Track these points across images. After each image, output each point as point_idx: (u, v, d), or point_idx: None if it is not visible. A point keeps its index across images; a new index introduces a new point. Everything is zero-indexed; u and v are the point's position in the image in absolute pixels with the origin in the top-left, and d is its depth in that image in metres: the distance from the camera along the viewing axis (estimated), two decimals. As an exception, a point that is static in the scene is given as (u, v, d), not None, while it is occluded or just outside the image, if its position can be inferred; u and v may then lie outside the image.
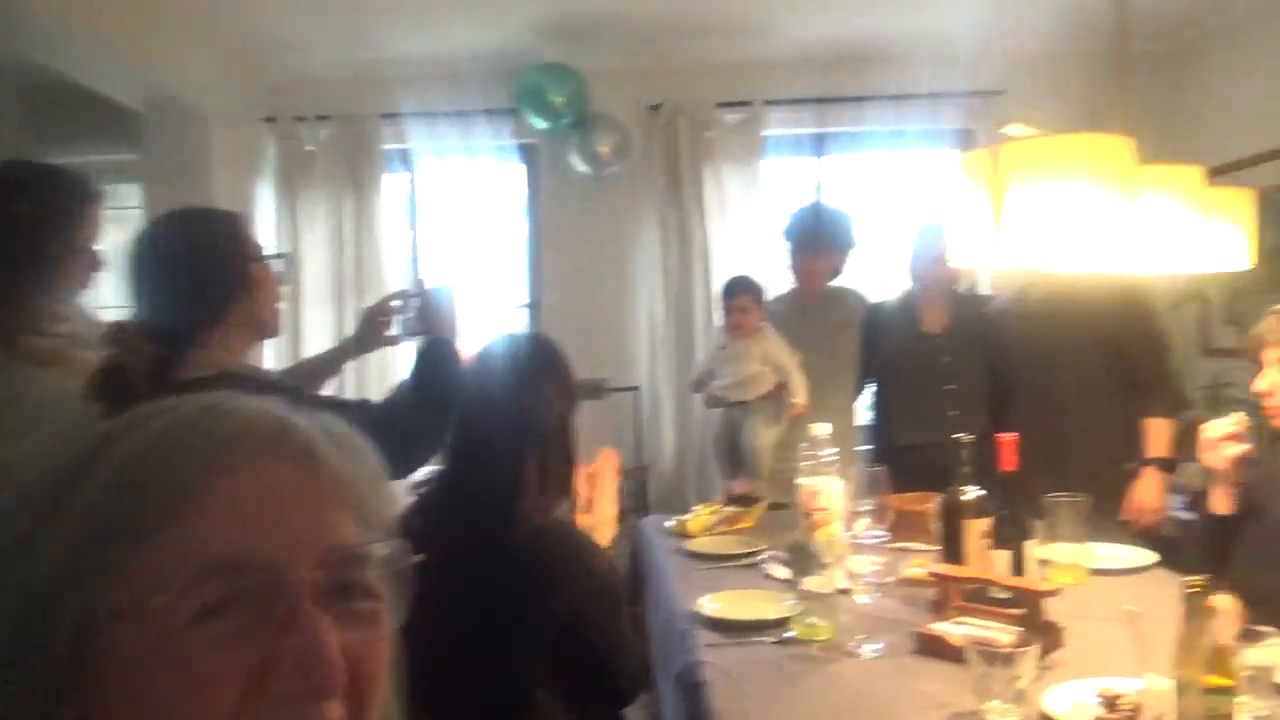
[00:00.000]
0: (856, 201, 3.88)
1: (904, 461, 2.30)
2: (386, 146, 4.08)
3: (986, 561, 1.79)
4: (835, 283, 3.25)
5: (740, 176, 4.02)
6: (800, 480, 2.07)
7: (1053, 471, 2.44)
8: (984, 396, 2.96)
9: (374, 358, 3.88)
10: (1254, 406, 2.55)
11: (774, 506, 2.70)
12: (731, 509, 2.64)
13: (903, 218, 3.91)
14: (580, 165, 3.97)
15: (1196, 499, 3.13)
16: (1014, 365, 2.86)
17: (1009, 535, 1.81)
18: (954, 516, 1.83)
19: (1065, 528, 1.98)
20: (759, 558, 2.21)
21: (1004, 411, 2.92)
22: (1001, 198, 1.53)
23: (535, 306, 4.25)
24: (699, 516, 2.58)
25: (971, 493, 1.82)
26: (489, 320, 4.24)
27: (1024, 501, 1.85)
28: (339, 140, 4.05)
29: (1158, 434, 2.66)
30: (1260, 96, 3.48)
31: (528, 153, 4.22)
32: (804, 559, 1.74)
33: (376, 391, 3.81)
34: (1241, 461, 1.93)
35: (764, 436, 3.04)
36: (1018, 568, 1.79)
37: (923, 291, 3.03)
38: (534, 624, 1.50)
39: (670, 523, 2.61)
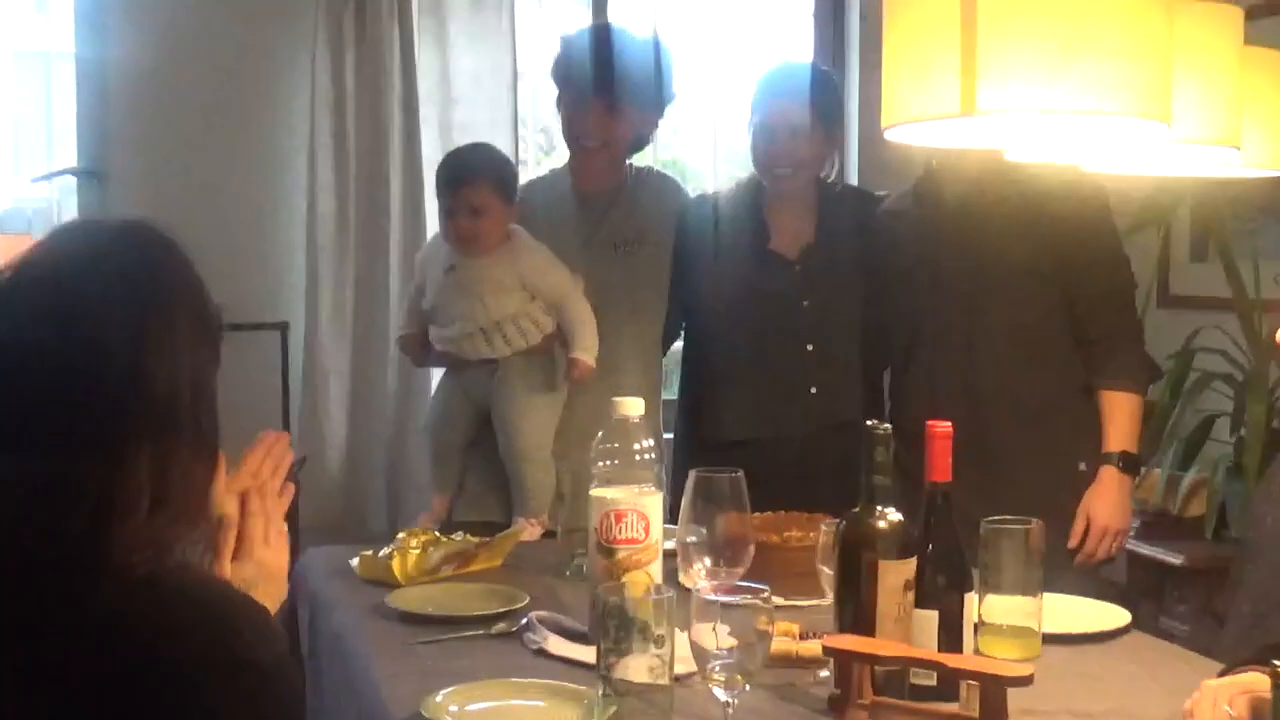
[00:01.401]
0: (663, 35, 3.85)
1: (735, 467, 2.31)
2: None
3: (908, 627, 1.80)
4: (637, 160, 3.20)
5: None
6: (596, 491, 2.03)
7: (975, 476, 2.51)
8: (860, 362, 3.03)
9: None
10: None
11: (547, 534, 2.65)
12: (465, 538, 2.55)
13: (740, 64, 3.95)
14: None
15: (1154, 524, 3.40)
16: (910, 307, 2.95)
17: (941, 585, 1.83)
18: (858, 555, 1.82)
19: (1009, 570, 2.02)
20: (520, 621, 2.14)
21: (894, 381, 2.99)
22: (974, 31, 1.51)
23: (95, 178, 3.97)
24: (406, 550, 2.46)
25: (888, 516, 1.81)
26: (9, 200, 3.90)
27: (958, 531, 1.87)
28: None
29: (1123, 416, 2.82)
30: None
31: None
32: (616, 626, 1.67)
33: None
34: None
35: (531, 415, 2.96)
36: (951, 636, 1.82)
37: (772, 184, 3.04)
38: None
39: (355, 560, 2.50)
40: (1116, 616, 2.20)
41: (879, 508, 1.82)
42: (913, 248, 2.95)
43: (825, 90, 3.04)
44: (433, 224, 3.58)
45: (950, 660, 1.70)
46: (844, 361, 3.01)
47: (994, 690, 1.58)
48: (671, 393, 3.31)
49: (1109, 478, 2.80)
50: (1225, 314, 3.59)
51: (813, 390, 2.99)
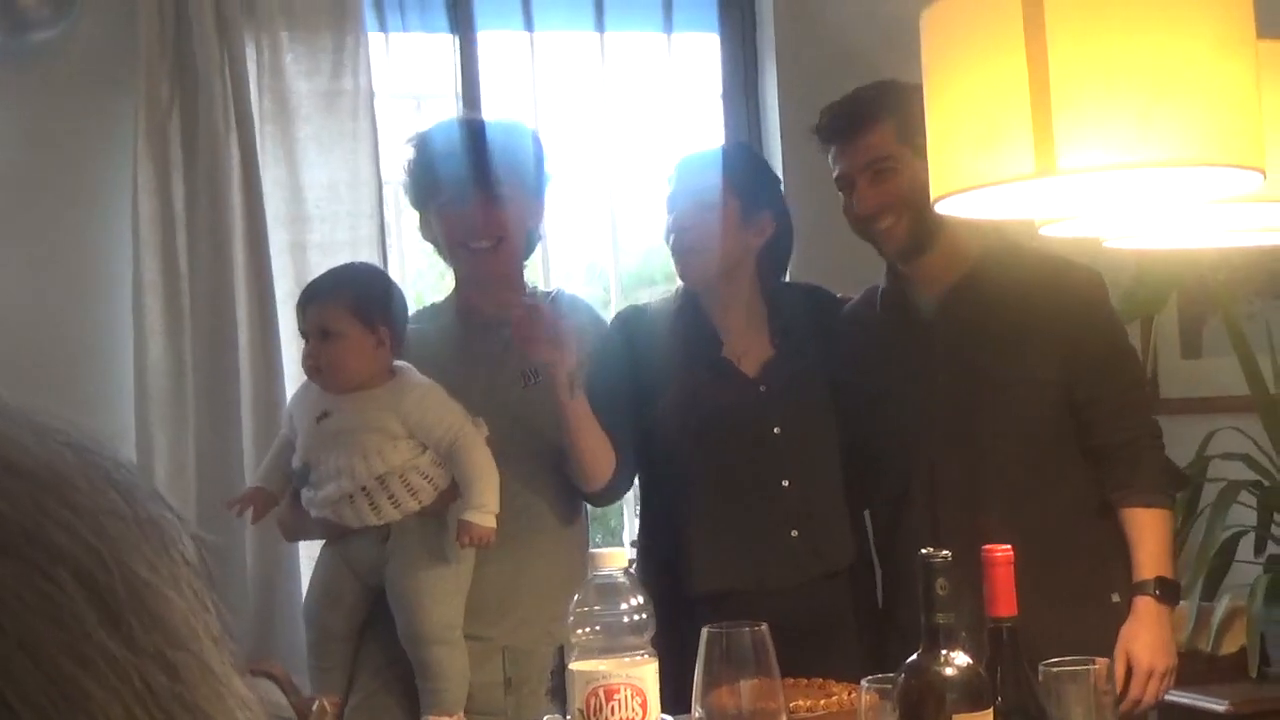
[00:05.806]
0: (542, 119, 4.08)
1: (699, 623, 2.30)
2: None
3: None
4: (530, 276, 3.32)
5: (322, 65, 3.98)
6: (578, 664, 2.03)
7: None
8: (844, 498, 3.07)
9: None
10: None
11: None
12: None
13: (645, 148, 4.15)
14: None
15: (1187, 665, 3.46)
16: (897, 432, 3.01)
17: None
18: (926, 709, 1.84)
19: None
20: None
21: (883, 523, 3.04)
22: (1046, 86, 1.58)
23: None
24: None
25: (955, 661, 1.83)
26: None
27: (1028, 673, 1.92)
28: None
29: (1154, 535, 2.87)
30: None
31: None
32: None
33: None
34: None
35: (434, 588, 2.90)
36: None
37: (707, 293, 3.11)
38: None
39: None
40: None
41: (944, 651, 1.83)
42: (890, 362, 3.00)
43: (746, 167, 3.17)
44: (290, 367, 3.56)
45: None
46: (828, 498, 3.03)
47: None
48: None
49: (1146, 610, 2.83)
50: (1228, 415, 3.74)
51: (794, 534, 3.00)
